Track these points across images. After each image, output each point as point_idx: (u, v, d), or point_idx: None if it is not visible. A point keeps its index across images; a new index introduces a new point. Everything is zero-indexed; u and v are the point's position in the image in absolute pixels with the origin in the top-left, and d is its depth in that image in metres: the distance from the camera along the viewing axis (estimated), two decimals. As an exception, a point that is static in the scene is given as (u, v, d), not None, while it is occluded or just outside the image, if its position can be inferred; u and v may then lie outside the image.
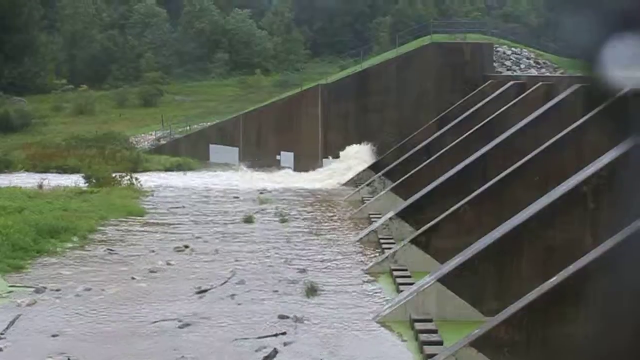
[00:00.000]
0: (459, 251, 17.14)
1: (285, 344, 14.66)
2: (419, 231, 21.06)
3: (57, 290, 18.54)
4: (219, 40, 75.10)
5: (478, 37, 47.74)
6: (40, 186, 34.63)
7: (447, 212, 20.30)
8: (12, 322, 15.93)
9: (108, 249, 23.16)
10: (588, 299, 11.86)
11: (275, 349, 14.30)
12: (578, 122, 18.89)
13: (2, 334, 15.25)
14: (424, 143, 33.57)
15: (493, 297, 15.35)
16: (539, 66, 46.49)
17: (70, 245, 23.59)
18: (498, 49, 46.69)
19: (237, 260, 21.79)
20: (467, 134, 28.86)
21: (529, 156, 19.37)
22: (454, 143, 28.97)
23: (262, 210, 30.66)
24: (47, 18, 74.17)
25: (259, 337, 15.03)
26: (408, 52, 44.32)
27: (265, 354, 14.03)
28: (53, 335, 15.23)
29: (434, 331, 14.89)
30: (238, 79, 69.89)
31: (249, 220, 28.06)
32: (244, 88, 66.48)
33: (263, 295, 18.15)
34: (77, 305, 17.35)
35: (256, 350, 14.26)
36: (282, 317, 16.31)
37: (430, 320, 15.46)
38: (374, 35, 75.15)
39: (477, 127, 28.72)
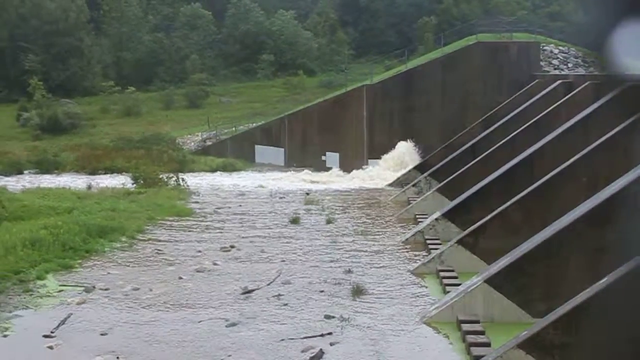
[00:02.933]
0: (506, 252, 16.98)
1: (331, 344, 14.66)
2: (466, 232, 20.90)
3: (106, 289, 18.78)
4: (264, 41, 75.43)
5: (524, 36, 47.32)
6: (89, 187, 35.17)
7: (494, 213, 20.13)
8: (62, 321, 16.17)
9: (155, 249, 23.38)
10: (638, 300, 11.67)
11: (321, 349, 14.31)
12: (627, 122, 18.61)
13: (52, 332, 15.49)
14: (470, 143, 33.34)
15: (541, 298, 15.17)
16: (586, 65, 45.90)
17: (118, 245, 23.87)
18: (545, 47, 46.23)
19: (283, 261, 21.85)
20: (513, 134, 28.62)
21: (577, 156, 19.13)
22: (500, 143, 28.73)
23: (308, 210, 30.70)
24: (93, 21, 75.27)
25: (305, 337, 15.05)
26: (453, 52, 44.09)
27: (312, 354, 14.04)
28: (102, 334, 15.42)
29: (482, 332, 14.77)
30: (283, 80, 70.12)
31: (295, 220, 28.12)
32: (288, 89, 66.69)
33: (309, 296, 18.16)
34: (126, 305, 17.55)
35: (302, 351, 14.28)
36: (328, 317, 16.31)
37: (477, 322, 15.34)
38: (418, 36, 74.83)
39: (524, 127, 28.47)
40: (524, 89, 37.04)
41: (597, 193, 15.74)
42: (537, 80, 37.15)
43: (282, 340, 14.96)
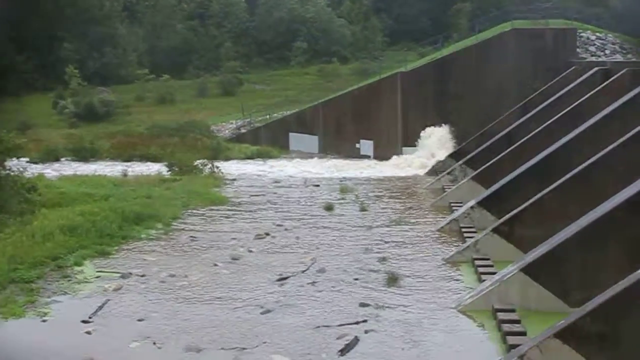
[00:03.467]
0: (542, 240, 16.86)
1: (366, 332, 14.69)
2: (502, 220, 20.76)
3: (142, 275, 18.96)
4: (297, 29, 75.33)
5: (560, 22, 46.70)
6: (125, 174, 35.43)
7: (530, 201, 19.98)
8: (100, 307, 16.36)
9: (191, 236, 23.53)
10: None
11: (356, 336, 14.34)
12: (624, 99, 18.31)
13: (90, 318, 15.68)
14: (505, 131, 33.06)
15: (578, 287, 15.03)
16: (624, 51, 45.25)
17: (154, 232, 24.05)
18: (582, 34, 45.64)
19: (317, 248, 21.89)
20: (550, 121, 28.33)
21: (615, 144, 18.90)
22: (536, 131, 28.45)
23: (343, 198, 30.69)
24: (127, 9, 75.56)
25: (340, 325, 15.09)
26: (488, 39, 43.65)
27: (347, 342, 14.08)
28: (139, 320, 15.60)
29: (517, 321, 14.71)
30: (317, 68, 70.03)
31: (329, 208, 28.14)
32: (322, 76, 66.60)
33: (343, 283, 18.19)
34: (162, 291, 17.71)
35: (337, 338, 14.33)
36: (363, 305, 16.34)
37: (513, 311, 15.27)
38: (453, 22, 74.26)
39: (560, 114, 28.17)
40: (560, 76, 36.62)
41: (634, 182, 15.55)
42: (573, 67, 36.73)
43: (317, 327, 15.01)
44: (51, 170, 38.63)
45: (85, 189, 29.35)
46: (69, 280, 18.50)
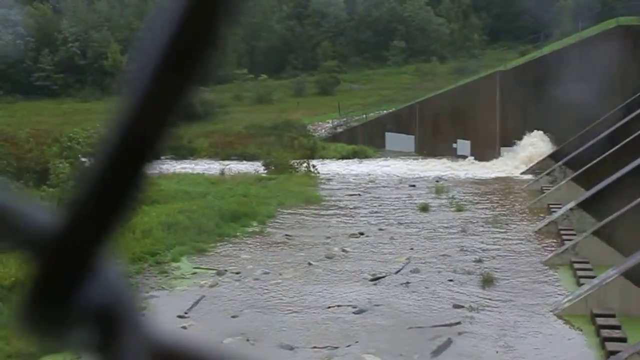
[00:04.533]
0: (645, 244, 16.32)
1: (459, 334, 14.49)
2: (602, 222, 20.19)
3: (237, 273, 19.19)
4: (395, 28, 75.10)
5: (669, 19, 45.11)
6: (222, 173, 35.96)
7: (632, 204, 19.35)
8: (195, 303, 16.64)
9: (286, 235, 23.69)
10: None
11: (449, 338, 14.17)
12: None
13: (186, 313, 15.96)
14: (608, 131, 32.12)
15: (682, 293, 14.50)
16: None
17: (250, 230, 24.31)
18: (691, 31, 43.96)
19: (412, 249, 21.72)
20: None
21: None
22: (640, 131, 27.56)
23: (438, 198, 30.39)
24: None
25: (433, 326, 14.93)
26: (591, 37, 42.53)
27: (440, 343, 13.92)
28: (233, 316, 15.78)
29: (617, 327, 14.26)
30: (414, 67, 69.67)
31: (424, 208, 27.90)
32: (420, 76, 66.19)
33: (438, 284, 18.00)
34: (256, 288, 17.87)
35: (430, 339, 14.19)
36: (456, 306, 16.13)
37: (612, 316, 14.81)
38: (555, 20, 72.75)
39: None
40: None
41: None
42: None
43: (410, 328, 14.89)
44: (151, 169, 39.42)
45: (183, 186, 29.95)
46: (167, 276, 18.89)
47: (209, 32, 0.57)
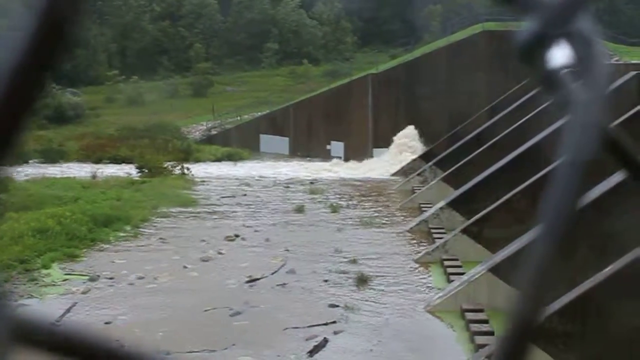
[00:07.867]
0: (510, 241, 16.92)
1: (335, 333, 14.67)
2: (470, 221, 20.84)
3: (111, 278, 18.80)
4: (269, 30, 75.31)
5: (531, 25, 46.91)
6: (94, 176, 35.17)
7: (499, 202, 20.07)
8: (67, 310, 16.20)
9: (160, 238, 23.39)
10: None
11: (325, 338, 14.32)
12: (634, 110, 18.52)
13: (57, 321, 15.47)
14: (475, 132, 33.21)
15: (546, 287, 15.09)
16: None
17: (123, 234, 23.87)
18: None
19: (287, 250, 21.83)
20: (519, 122, 28.47)
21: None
22: (506, 132, 28.59)
23: (313, 200, 30.68)
24: (97, 10, 75.23)
25: (310, 326, 15.05)
26: (459, 41, 43.87)
27: (316, 343, 14.05)
28: (106, 323, 15.44)
29: (485, 321, 14.76)
30: (288, 69, 70.05)
31: (299, 210, 28.10)
32: (294, 78, 66.63)
33: (313, 285, 18.16)
34: (130, 294, 17.56)
35: (306, 339, 14.29)
36: (332, 306, 16.32)
37: (481, 311, 15.33)
38: (424, 25, 74.59)
39: (530, 115, 28.31)
40: (529, 78, 36.78)
41: (604, 181, 15.65)
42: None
43: (287, 328, 14.97)
44: (20, 173, 38.21)
45: (54, 191, 29.10)
46: (37, 284, 18.30)
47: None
